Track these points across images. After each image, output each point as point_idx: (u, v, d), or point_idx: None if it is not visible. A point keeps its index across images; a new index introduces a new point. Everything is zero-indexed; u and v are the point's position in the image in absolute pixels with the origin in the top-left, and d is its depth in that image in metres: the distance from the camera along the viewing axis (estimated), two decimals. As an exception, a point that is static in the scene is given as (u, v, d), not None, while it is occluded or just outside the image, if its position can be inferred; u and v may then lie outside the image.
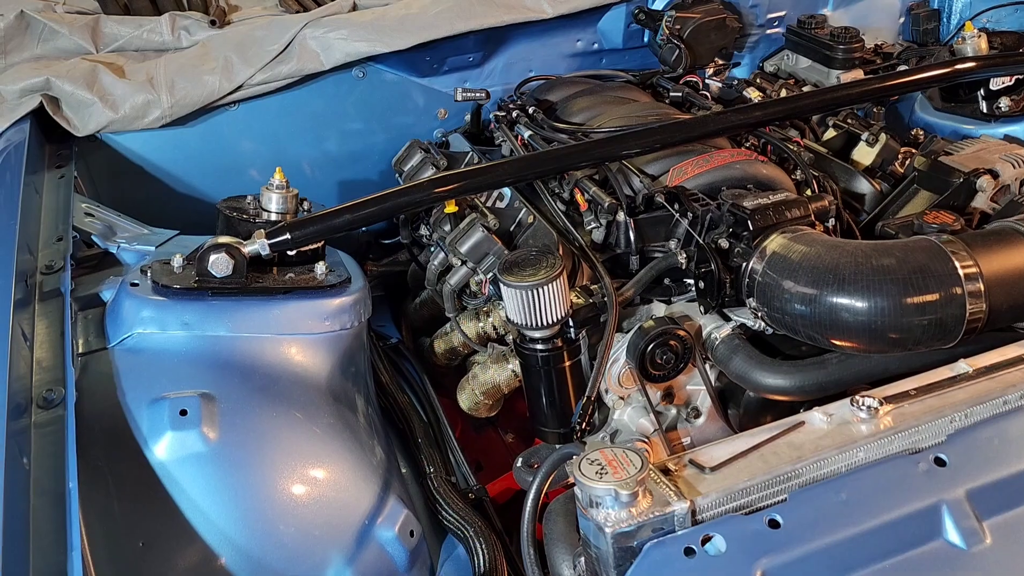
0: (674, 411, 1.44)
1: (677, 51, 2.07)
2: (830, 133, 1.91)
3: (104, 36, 1.94)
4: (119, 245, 1.43)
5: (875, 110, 2.00)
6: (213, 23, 1.97)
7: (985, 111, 1.95)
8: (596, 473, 0.89)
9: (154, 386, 1.15)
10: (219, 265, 1.25)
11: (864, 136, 1.81)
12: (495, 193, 1.68)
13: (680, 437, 1.45)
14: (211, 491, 1.10)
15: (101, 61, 1.85)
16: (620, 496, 0.87)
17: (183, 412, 1.11)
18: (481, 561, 1.23)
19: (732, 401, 1.45)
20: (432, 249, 1.71)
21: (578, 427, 1.31)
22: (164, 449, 1.09)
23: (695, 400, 1.45)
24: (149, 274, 1.27)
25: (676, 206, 1.46)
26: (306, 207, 1.52)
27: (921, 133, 1.92)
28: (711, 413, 1.45)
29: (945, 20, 2.46)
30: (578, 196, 1.56)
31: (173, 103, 1.80)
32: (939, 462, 0.95)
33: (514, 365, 1.52)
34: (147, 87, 1.79)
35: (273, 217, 1.46)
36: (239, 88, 1.85)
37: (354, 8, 2.01)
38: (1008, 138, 1.89)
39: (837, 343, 1.24)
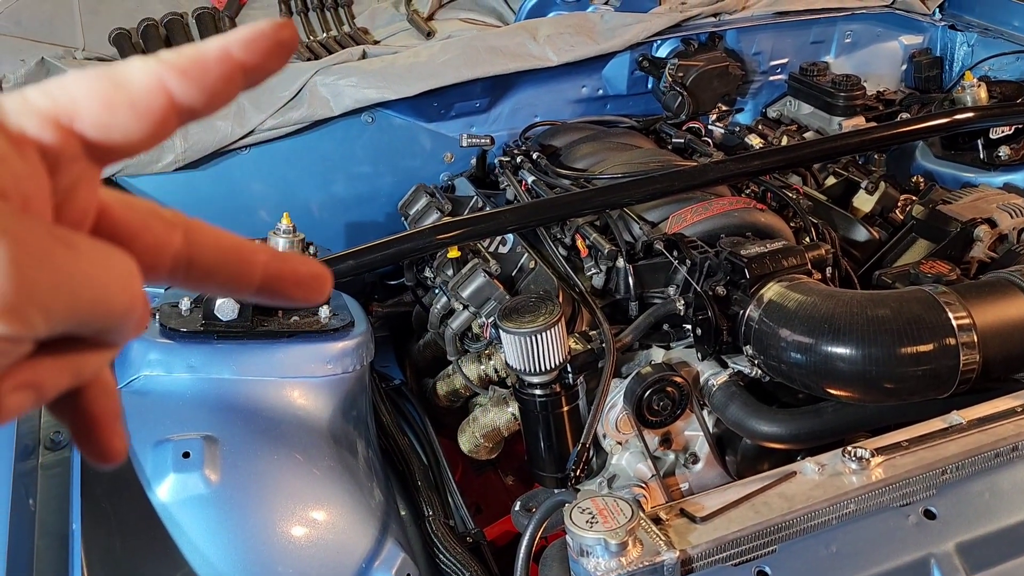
0: (672, 457, 1.45)
1: (680, 98, 2.11)
2: (831, 180, 1.93)
3: (121, 82, 1.99)
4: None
5: (876, 157, 2.03)
6: (227, 70, 2.03)
7: (985, 159, 1.97)
8: (586, 522, 0.91)
9: (159, 428, 1.18)
10: (225, 309, 1.28)
11: (864, 184, 1.83)
12: (497, 238, 1.71)
13: (678, 483, 1.45)
14: (211, 533, 1.11)
15: (118, 106, 1.90)
16: (610, 545, 0.88)
17: (186, 454, 1.13)
18: (477, 606, 1.23)
19: (730, 447, 1.46)
20: (435, 292, 1.73)
21: (573, 473, 1.32)
22: (166, 491, 1.11)
23: (693, 446, 1.46)
24: (157, 317, 1.30)
25: (675, 253, 1.48)
26: (312, 251, 1.55)
27: (921, 180, 1.94)
28: (709, 459, 1.45)
29: (947, 67, 2.50)
30: (579, 242, 1.59)
31: (186, 148, 1.85)
32: (929, 515, 0.96)
33: (514, 408, 1.54)
34: (161, 132, 1.84)
35: (279, 261, 1.49)
36: (250, 133, 1.90)
37: (364, 56, 2.07)
38: (1008, 186, 1.91)
39: (832, 392, 1.25)
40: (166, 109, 0.34)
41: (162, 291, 1.46)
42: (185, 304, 1.31)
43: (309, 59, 2.10)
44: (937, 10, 2.48)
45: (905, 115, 2.14)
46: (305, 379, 1.31)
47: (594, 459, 1.41)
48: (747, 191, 1.79)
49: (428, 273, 1.79)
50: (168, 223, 0.36)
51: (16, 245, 0.29)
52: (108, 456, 0.39)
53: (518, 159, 1.92)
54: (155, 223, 0.36)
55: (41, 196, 0.33)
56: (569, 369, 1.36)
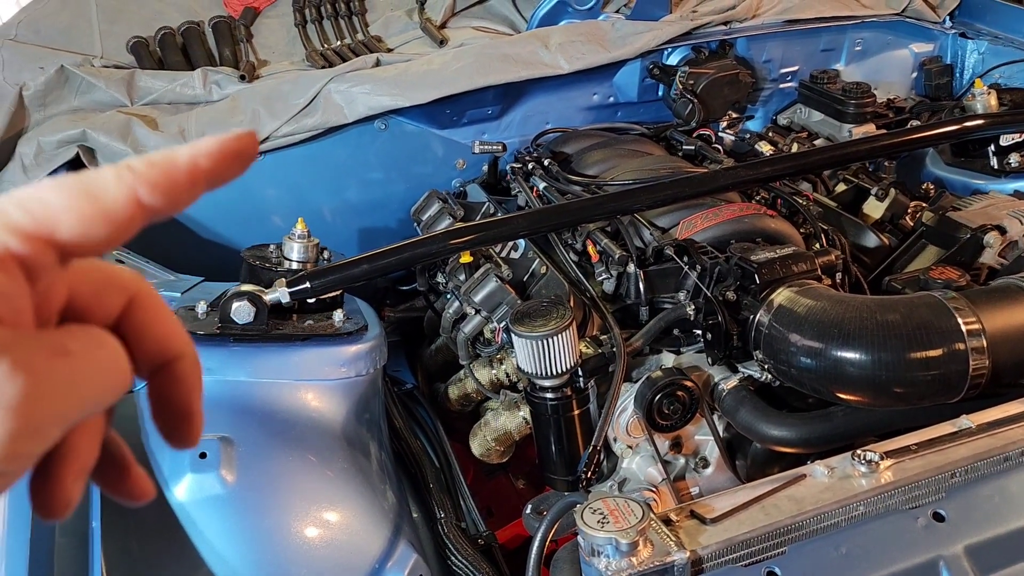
0: (682, 461, 1.46)
1: (691, 105, 2.13)
2: (841, 187, 1.94)
3: (139, 90, 2.03)
4: (147, 291, 1.49)
5: (886, 164, 2.03)
6: (243, 78, 2.06)
7: (995, 167, 1.98)
8: (598, 522, 0.92)
9: (175, 429, 1.19)
10: (241, 312, 1.30)
11: (874, 190, 1.84)
12: (509, 243, 1.72)
13: (689, 487, 1.46)
14: (227, 532, 1.13)
15: (135, 114, 1.94)
16: (620, 545, 0.89)
17: (203, 455, 1.14)
18: (489, 607, 1.24)
19: (740, 452, 1.47)
20: (447, 297, 1.75)
21: (584, 476, 1.33)
22: (183, 490, 1.13)
23: (703, 450, 1.47)
24: (174, 320, 1.32)
25: (685, 259, 1.49)
26: (326, 256, 1.57)
27: (931, 187, 1.95)
28: (719, 463, 1.46)
29: (958, 75, 2.50)
30: (590, 248, 1.60)
31: (202, 154, 1.87)
32: (938, 517, 0.97)
33: (525, 412, 1.55)
34: (179, 139, 1.87)
35: (294, 266, 1.51)
36: (266, 139, 1.93)
37: (377, 64, 2.09)
38: (1018, 194, 1.91)
39: (842, 396, 1.25)
40: (135, 218, 0.38)
41: (179, 295, 1.49)
42: (201, 307, 1.33)
43: (323, 67, 2.13)
44: (948, 18, 2.48)
45: (915, 122, 2.15)
46: (319, 382, 1.33)
47: (605, 463, 1.43)
48: (757, 197, 1.80)
49: (440, 278, 1.80)
50: (119, 291, 0.41)
51: (27, 374, 0.33)
52: (142, 494, 0.44)
53: (530, 165, 1.94)
54: (103, 295, 0.40)
55: (26, 306, 0.36)
56: (580, 373, 1.37)
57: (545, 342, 1.31)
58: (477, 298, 1.58)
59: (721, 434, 1.44)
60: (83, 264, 0.40)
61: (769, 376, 1.37)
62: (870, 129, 2.14)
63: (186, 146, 0.39)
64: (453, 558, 1.35)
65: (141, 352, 0.42)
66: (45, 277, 0.37)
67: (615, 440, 1.43)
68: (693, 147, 2.02)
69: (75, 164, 1.84)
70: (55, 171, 1.82)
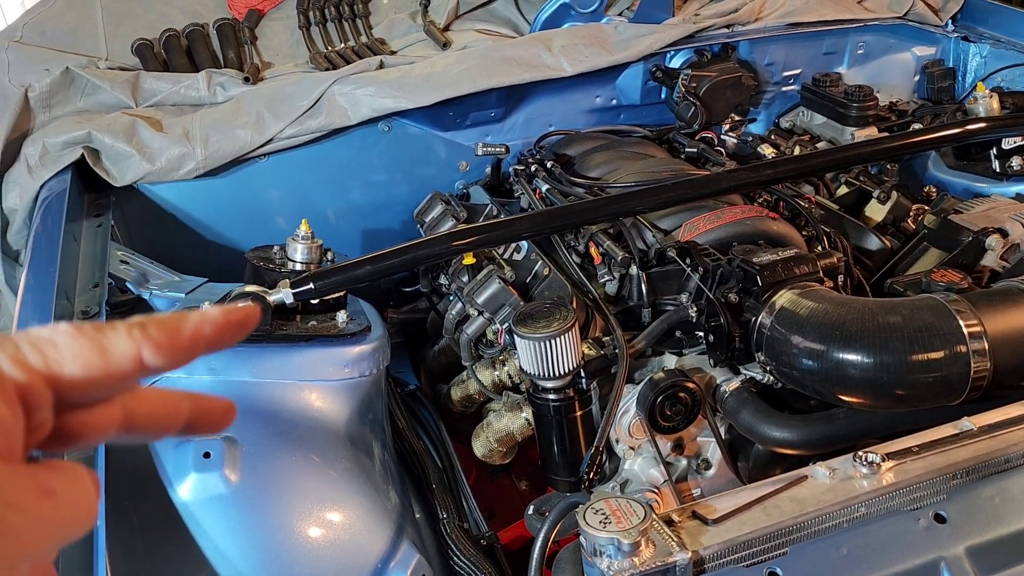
0: (684, 462, 1.46)
1: (693, 108, 2.13)
2: (843, 190, 1.94)
3: (144, 91, 2.04)
4: (151, 292, 1.49)
5: (888, 167, 2.03)
6: (247, 80, 2.07)
7: (997, 170, 1.98)
8: (600, 522, 0.92)
9: (180, 429, 1.20)
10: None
11: (876, 193, 1.84)
12: (512, 245, 1.73)
13: (690, 488, 1.46)
14: (230, 532, 1.14)
15: (140, 115, 1.94)
16: (622, 545, 0.90)
17: (206, 455, 1.15)
18: (491, 607, 1.25)
19: (742, 453, 1.47)
20: (450, 299, 1.76)
21: (586, 476, 1.34)
22: (187, 490, 1.13)
23: (705, 452, 1.47)
24: (179, 320, 1.33)
25: (687, 260, 1.50)
26: (329, 257, 1.58)
27: (934, 190, 1.95)
28: (721, 465, 1.46)
29: (960, 78, 2.51)
30: (592, 249, 1.61)
31: (207, 156, 1.88)
32: (939, 519, 0.97)
33: (528, 414, 1.56)
34: (183, 140, 1.88)
35: (298, 267, 1.52)
36: (270, 141, 1.93)
37: (381, 66, 2.10)
38: (1020, 196, 1.91)
39: (844, 398, 1.26)
40: (134, 374, 0.41)
41: (183, 295, 1.49)
42: (205, 308, 1.34)
43: (327, 69, 2.14)
44: (950, 21, 2.49)
45: (917, 125, 2.15)
46: (323, 382, 1.34)
47: (607, 464, 1.43)
48: (759, 200, 1.80)
49: (443, 280, 1.81)
50: (108, 404, 0.43)
51: (15, 513, 0.36)
52: None
53: (532, 168, 1.95)
54: (98, 414, 0.43)
55: (19, 438, 0.39)
56: (583, 374, 1.38)
57: (548, 343, 1.31)
58: (480, 299, 1.58)
59: (723, 436, 1.44)
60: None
61: (771, 378, 1.38)
62: (872, 132, 2.14)
63: (195, 313, 0.43)
64: (455, 558, 1.35)
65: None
66: (39, 415, 0.39)
67: (617, 441, 1.43)
68: (695, 150, 2.02)
69: (80, 165, 1.85)
70: (60, 172, 1.83)
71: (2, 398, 0.38)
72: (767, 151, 2.11)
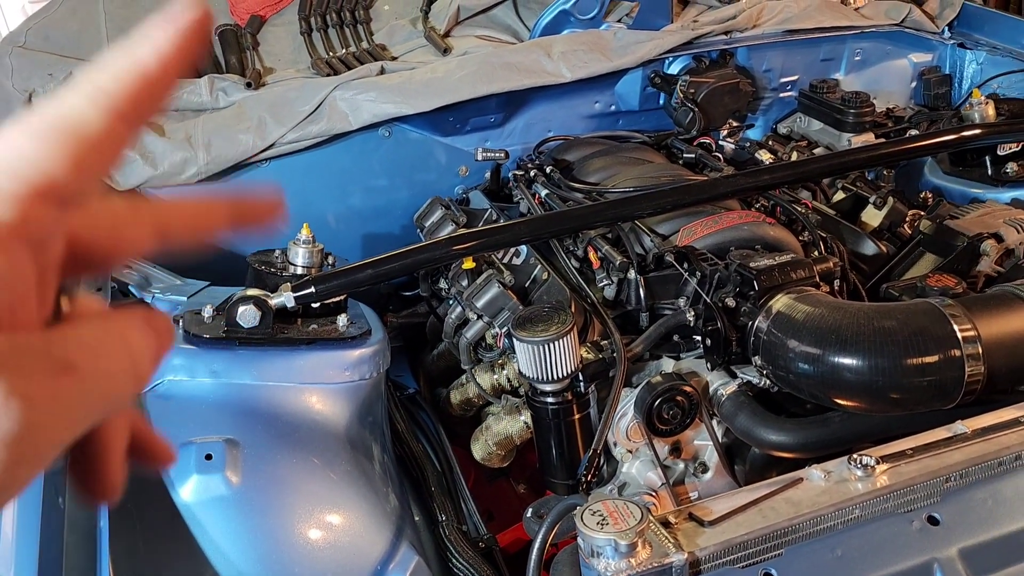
0: (682, 465, 1.47)
1: (691, 114, 2.15)
2: (839, 195, 1.96)
3: (146, 96, 2.05)
4: (154, 295, 1.51)
5: (885, 173, 2.05)
6: (249, 85, 2.08)
7: (993, 176, 2.00)
8: (597, 523, 0.93)
9: (182, 431, 1.21)
10: (247, 316, 1.32)
11: (872, 199, 1.86)
12: (511, 249, 1.74)
13: (688, 491, 1.48)
14: (232, 533, 1.15)
15: (142, 120, 1.96)
16: (619, 546, 0.91)
17: (208, 456, 1.16)
18: (490, 609, 1.26)
19: (739, 457, 1.48)
20: (450, 303, 1.77)
21: (584, 479, 1.35)
22: (189, 491, 1.14)
23: (703, 455, 1.49)
24: (181, 323, 1.34)
25: (685, 265, 1.51)
26: (331, 261, 1.59)
27: (929, 196, 1.96)
28: (718, 468, 1.47)
29: (956, 85, 2.52)
30: (591, 254, 1.62)
31: (209, 160, 1.90)
32: (933, 521, 0.98)
33: (526, 417, 1.57)
34: (185, 145, 1.89)
35: (299, 271, 1.53)
36: (271, 146, 1.95)
37: (382, 72, 2.11)
38: (1015, 202, 1.93)
39: (839, 402, 1.27)
40: (125, 139, 0.34)
41: (185, 299, 1.51)
42: (207, 311, 1.35)
43: (329, 75, 2.15)
44: (946, 29, 2.51)
45: (914, 132, 2.17)
46: (323, 385, 1.35)
47: (605, 467, 1.44)
48: (757, 205, 1.82)
49: (443, 284, 1.82)
50: (134, 221, 0.37)
51: (25, 403, 0.29)
52: (105, 489, 0.38)
53: (532, 173, 1.96)
54: (123, 230, 0.37)
55: (28, 292, 0.32)
56: (581, 378, 1.39)
57: (546, 347, 1.32)
58: (479, 303, 1.59)
59: (720, 439, 1.45)
60: (89, 214, 0.36)
61: (768, 382, 1.39)
62: (869, 138, 2.16)
63: (142, 44, 0.35)
64: (454, 561, 1.36)
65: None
66: (52, 243, 0.33)
67: (615, 445, 1.44)
68: (694, 155, 2.04)
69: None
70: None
71: None
72: (765, 157, 2.13)
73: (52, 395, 0.31)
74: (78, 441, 0.35)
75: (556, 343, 1.32)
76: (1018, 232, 1.65)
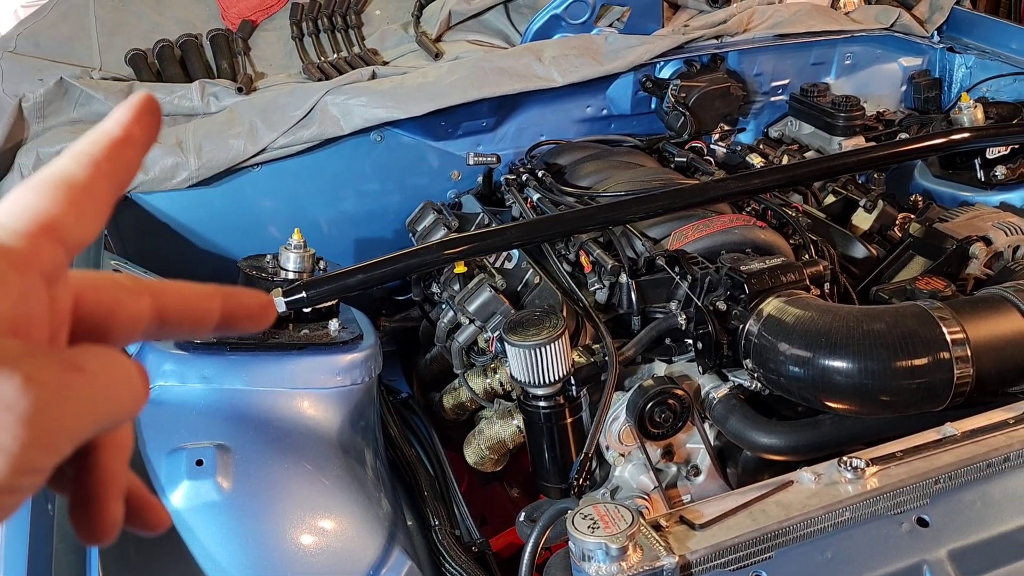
0: (674, 469, 1.48)
1: (683, 118, 2.15)
2: (830, 198, 1.97)
3: (137, 101, 2.04)
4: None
5: (875, 176, 2.06)
6: (240, 90, 2.08)
7: (982, 179, 2.01)
8: (588, 527, 0.93)
9: (173, 436, 1.21)
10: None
11: (862, 202, 1.86)
12: (503, 254, 1.74)
13: (680, 494, 1.48)
14: (223, 539, 1.14)
15: (134, 125, 1.95)
16: (610, 550, 0.91)
17: (199, 462, 1.16)
18: (482, 613, 1.26)
19: (731, 460, 1.48)
20: (442, 307, 1.77)
21: (576, 483, 1.35)
22: (180, 497, 1.14)
23: (695, 458, 1.49)
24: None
25: (676, 269, 1.52)
26: (322, 266, 1.59)
27: (919, 199, 1.97)
28: (710, 471, 1.48)
29: (946, 88, 2.54)
30: (583, 258, 1.62)
31: (200, 165, 1.90)
32: (922, 523, 0.99)
33: (519, 421, 1.57)
34: (176, 150, 1.89)
35: (290, 276, 1.53)
36: (263, 151, 1.95)
37: (373, 76, 2.11)
38: (1004, 205, 1.94)
39: (830, 404, 1.27)
40: (110, 192, 0.39)
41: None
42: (199, 317, 1.35)
43: (320, 79, 2.15)
44: (936, 33, 2.52)
45: (904, 135, 2.18)
46: (315, 390, 1.35)
47: (597, 471, 1.44)
48: (748, 209, 1.82)
49: (435, 288, 1.82)
50: (135, 293, 0.40)
51: (39, 387, 0.33)
52: (102, 528, 0.40)
53: (524, 177, 1.96)
54: (125, 297, 0.40)
55: (42, 311, 0.36)
56: (573, 382, 1.39)
57: (538, 351, 1.33)
58: (471, 308, 1.59)
59: (712, 442, 1.45)
60: (93, 279, 0.40)
61: (759, 385, 1.39)
62: (859, 142, 2.17)
63: (107, 120, 0.41)
64: (447, 565, 1.36)
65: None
66: (60, 277, 0.37)
67: (607, 448, 1.44)
68: (685, 159, 2.05)
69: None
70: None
71: (13, 266, 0.35)
72: (756, 160, 2.14)
73: (63, 386, 0.34)
74: (79, 479, 0.39)
75: (548, 347, 1.33)
76: (1007, 235, 1.66)
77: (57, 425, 0.33)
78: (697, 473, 1.49)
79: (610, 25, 2.29)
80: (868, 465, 1.05)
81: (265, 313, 0.45)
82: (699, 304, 1.43)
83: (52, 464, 0.34)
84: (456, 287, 1.67)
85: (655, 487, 1.43)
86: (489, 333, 1.62)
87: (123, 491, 0.41)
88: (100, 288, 0.40)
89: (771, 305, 1.37)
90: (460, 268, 1.65)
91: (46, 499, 1.05)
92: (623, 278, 1.53)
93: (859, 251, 1.75)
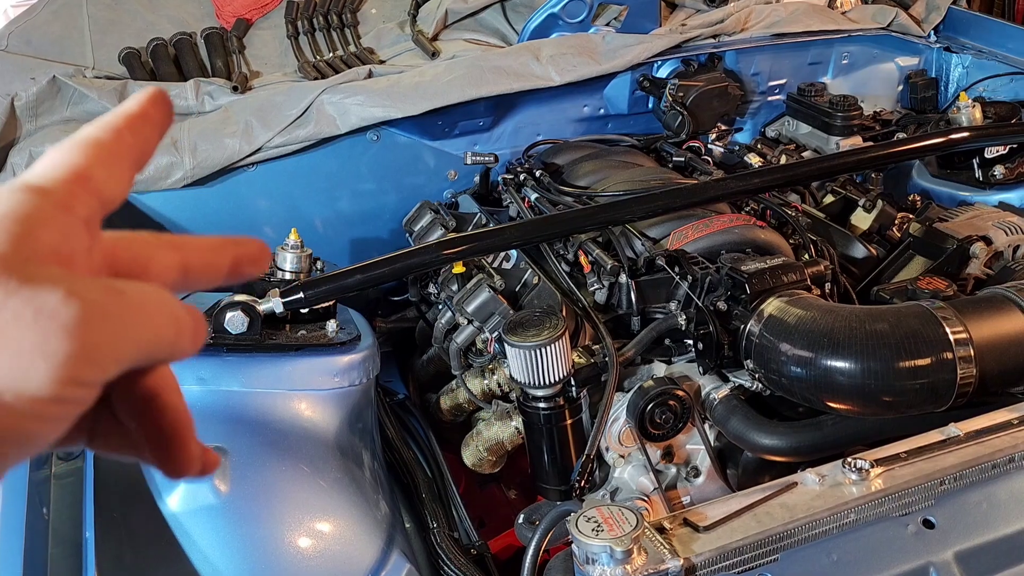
0: (674, 470, 1.47)
1: (680, 117, 2.15)
2: (829, 198, 1.96)
3: (131, 100, 2.03)
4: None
5: (873, 176, 2.05)
6: (235, 89, 2.06)
7: (980, 178, 2.00)
8: (592, 530, 0.92)
9: (168, 439, 1.19)
10: (235, 322, 1.30)
11: (861, 202, 1.86)
12: (501, 254, 1.73)
13: (680, 496, 1.47)
14: (220, 542, 1.13)
15: (127, 124, 1.93)
16: (615, 553, 0.90)
17: (196, 465, 1.14)
18: (482, 616, 1.25)
19: (731, 461, 1.48)
20: (440, 307, 1.76)
21: (576, 485, 1.34)
22: (177, 501, 1.13)
23: (695, 459, 1.48)
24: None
25: (676, 269, 1.51)
26: (319, 266, 1.58)
27: (918, 199, 1.97)
28: (711, 473, 1.47)
29: (943, 88, 2.54)
30: (582, 258, 1.61)
31: (195, 165, 1.88)
32: (928, 524, 0.98)
33: (517, 422, 1.56)
34: (171, 149, 1.87)
35: (287, 276, 1.51)
36: (258, 150, 1.93)
37: (370, 75, 2.10)
38: (1002, 205, 1.94)
39: (832, 405, 1.27)
40: (134, 164, 0.43)
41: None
42: (195, 317, 1.33)
43: (316, 78, 2.14)
44: (932, 32, 2.52)
45: (902, 135, 2.18)
46: (312, 392, 1.33)
47: (597, 472, 1.43)
48: (747, 208, 1.82)
49: (432, 289, 1.81)
50: (165, 248, 0.43)
51: (82, 301, 0.34)
52: (189, 460, 0.44)
53: (521, 177, 1.95)
54: (156, 252, 0.43)
55: (83, 249, 0.39)
56: (572, 383, 1.38)
57: (537, 352, 1.31)
58: (469, 308, 1.58)
59: (712, 443, 1.45)
60: (124, 236, 0.43)
61: (760, 385, 1.38)
62: (857, 141, 2.16)
63: (124, 102, 0.44)
64: (446, 568, 1.35)
65: None
66: (96, 223, 0.40)
67: (607, 450, 1.43)
68: (683, 159, 2.04)
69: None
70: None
71: (55, 205, 0.37)
72: (754, 160, 2.13)
73: (105, 304, 0.36)
74: (154, 421, 0.42)
75: (547, 348, 1.31)
76: (1007, 235, 1.65)
77: (101, 339, 0.35)
78: (697, 474, 1.48)
79: (607, 24, 2.28)
80: (873, 466, 1.04)
81: (264, 256, 0.48)
82: (700, 304, 1.42)
83: (96, 379, 0.35)
84: (454, 287, 1.66)
85: (655, 488, 1.42)
86: (487, 334, 1.61)
87: (194, 427, 0.44)
88: (133, 243, 0.42)
89: (772, 305, 1.36)
90: (458, 268, 1.64)
91: (41, 503, 1.03)
92: (623, 278, 1.52)
93: (859, 251, 1.75)
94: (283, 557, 1.16)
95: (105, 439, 0.43)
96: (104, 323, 0.35)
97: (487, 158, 2.00)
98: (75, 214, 0.38)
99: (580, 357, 1.43)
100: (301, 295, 1.36)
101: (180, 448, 0.43)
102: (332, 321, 1.41)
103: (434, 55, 2.21)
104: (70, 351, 0.34)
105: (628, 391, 1.42)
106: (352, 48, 2.31)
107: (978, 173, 2.01)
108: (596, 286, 1.55)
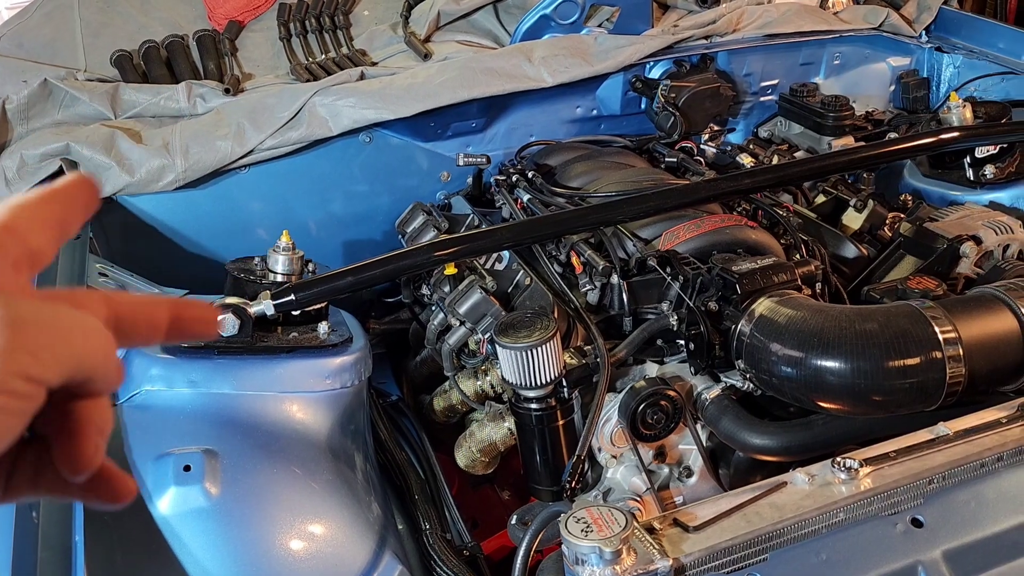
0: (666, 470, 1.47)
1: (672, 118, 2.15)
2: (820, 198, 1.97)
3: (123, 103, 2.03)
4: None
5: (865, 176, 2.06)
6: (227, 91, 2.06)
7: (971, 178, 2.01)
8: (582, 531, 0.93)
9: (160, 442, 1.19)
10: (226, 325, 1.30)
11: (853, 202, 1.87)
12: (494, 255, 1.73)
13: (673, 496, 1.47)
14: (212, 546, 1.13)
15: (119, 127, 1.93)
16: (604, 553, 0.90)
17: (187, 468, 1.14)
18: (474, 618, 1.24)
19: (723, 461, 1.48)
20: (432, 309, 1.76)
21: (568, 486, 1.34)
22: (167, 504, 1.12)
23: (687, 459, 1.48)
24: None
25: (668, 269, 1.51)
26: (311, 268, 1.57)
27: (909, 199, 1.97)
28: (703, 472, 1.47)
29: (934, 88, 2.55)
30: (574, 259, 1.61)
31: (187, 167, 1.88)
32: (916, 523, 0.98)
33: (510, 423, 1.56)
34: (163, 152, 1.87)
35: (279, 278, 1.51)
36: (250, 153, 1.93)
37: (362, 77, 2.10)
38: (993, 204, 1.94)
39: (822, 405, 1.27)
40: (63, 224, 0.47)
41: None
42: (186, 320, 1.33)
43: (308, 80, 2.14)
44: (924, 33, 2.53)
45: (893, 135, 2.18)
46: (304, 394, 1.33)
47: (589, 473, 1.43)
48: (738, 209, 1.82)
49: (425, 290, 1.81)
50: (97, 301, 0.46)
51: (22, 309, 0.39)
52: (81, 462, 0.45)
53: (514, 178, 1.95)
54: (88, 303, 0.45)
55: (13, 283, 0.43)
56: (564, 383, 1.38)
57: (529, 353, 1.32)
58: (462, 310, 1.58)
59: (704, 443, 1.45)
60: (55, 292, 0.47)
61: (751, 385, 1.39)
62: (849, 141, 2.17)
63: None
64: (438, 569, 1.35)
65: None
66: (23, 272, 0.44)
67: (599, 450, 1.44)
68: (675, 159, 2.04)
69: (59, 177, 1.84)
70: (38, 184, 1.81)
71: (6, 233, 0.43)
72: (746, 160, 2.14)
73: (41, 312, 0.40)
74: (62, 420, 0.44)
75: (539, 349, 1.32)
76: (997, 234, 1.66)
77: (40, 340, 0.39)
78: (689, 474, 1.48)
79: (599, 25, 2.29)
80: (862, 466, 1.05)
81: (215, 320, 0.52)
82: (691, 305, 1.43)
83: (41, 376, 0.39)
84: (446, 289, 1.66)
85: (647, 489, 1.42)
86: (480, 335, 1.61)
87: (102, 435, 0.46)
88: (67, 296, 0.45)
89: (763, 305, 1.37)
90: (450, 270, 1.64)
91: (30, 506, 1.03)
92: (614, 279, 1.52)
93: (850, 251, 1.75)
94: (275, 560, 1.16)
95: (17, 489, 0.46)
96: (41, 329, 0.39)
97: (480, 159, 2.01)
98: (3, 255, 0.43)
99: (572, 358, 1.43)
100: (292, 297, 1.36)
101: (76, 445, 0.45)
102: (324, 323, 1.41)
103: (426, 57, 2.22)
104: (8, 344, 0.38)
105: (620, 391, 1.43)
106: (344, 50, 2.32)
107: (969, 173, 2.01)
108: (588, 287, 1.55)
